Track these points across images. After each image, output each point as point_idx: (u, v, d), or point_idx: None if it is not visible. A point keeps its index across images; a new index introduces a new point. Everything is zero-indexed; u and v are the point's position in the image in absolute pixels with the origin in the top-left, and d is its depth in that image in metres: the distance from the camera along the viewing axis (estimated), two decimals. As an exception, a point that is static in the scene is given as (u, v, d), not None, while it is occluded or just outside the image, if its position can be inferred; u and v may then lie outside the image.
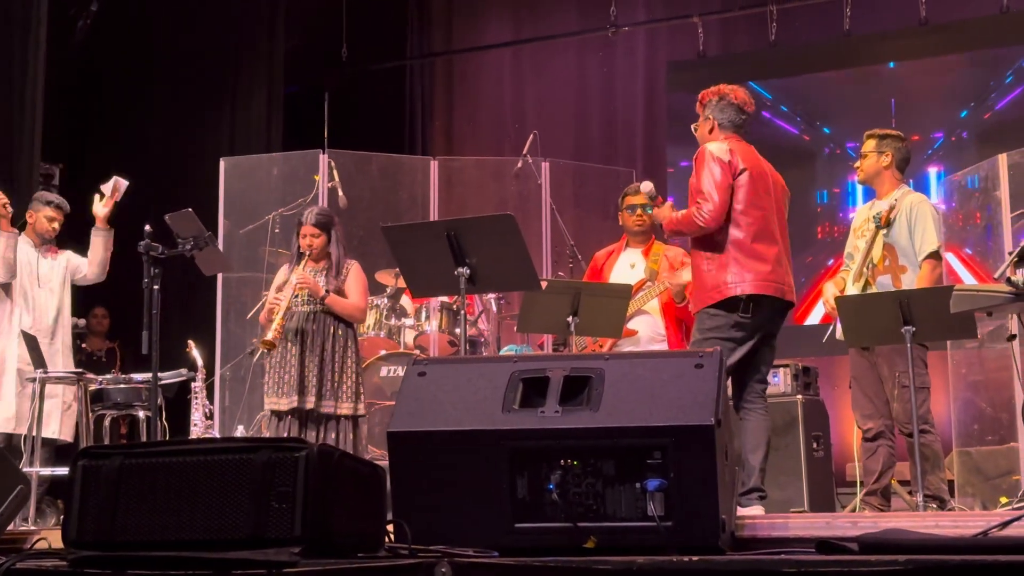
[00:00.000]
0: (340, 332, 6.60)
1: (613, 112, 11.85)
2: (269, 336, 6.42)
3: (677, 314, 6.65)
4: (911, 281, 6.09)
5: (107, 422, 7.70)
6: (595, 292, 6.34)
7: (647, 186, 6.00)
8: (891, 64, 10.72)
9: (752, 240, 5.41)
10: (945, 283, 6.26)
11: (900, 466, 6.55)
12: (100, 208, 7.14)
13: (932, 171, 10.27)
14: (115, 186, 7.06)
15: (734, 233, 5.41)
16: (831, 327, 6.32)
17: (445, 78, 12.82)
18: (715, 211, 5.35)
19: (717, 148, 5.46)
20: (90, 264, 7.30)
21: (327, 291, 6.52)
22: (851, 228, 6.58)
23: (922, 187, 9.94)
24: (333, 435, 6.51)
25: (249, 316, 8.66)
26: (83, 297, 9.22)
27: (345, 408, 6.53)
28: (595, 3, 11.37)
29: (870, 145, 6.41)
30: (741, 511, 4.95)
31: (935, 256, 6.13)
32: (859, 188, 10.02)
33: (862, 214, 6.50)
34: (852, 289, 6.18)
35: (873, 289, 6.12)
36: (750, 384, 5.50)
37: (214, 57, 10.87)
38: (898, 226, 6.12)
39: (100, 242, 7.24)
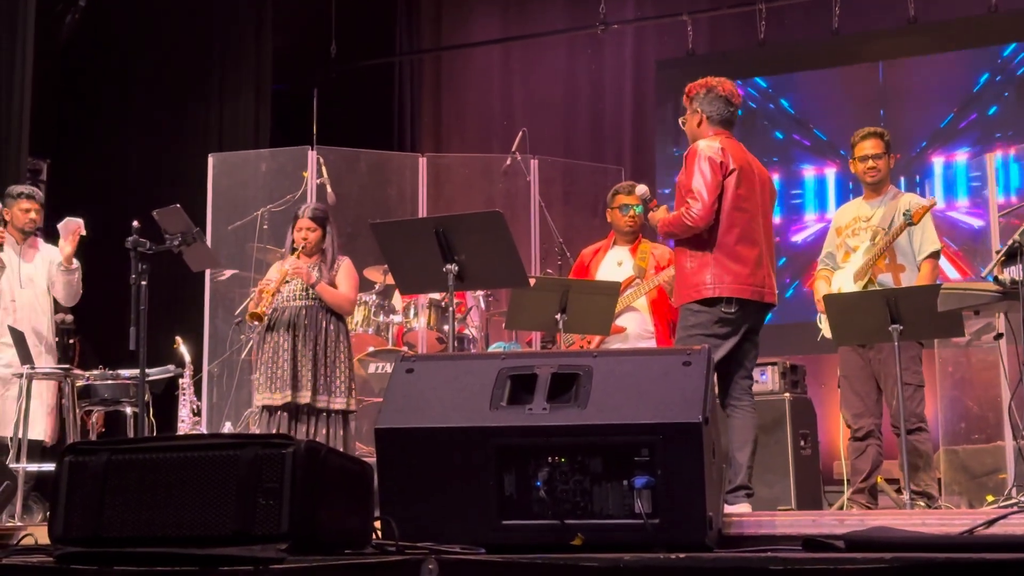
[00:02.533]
0: (332, 327, 6.63)
1: (602, 110, 11.85)
2: (258, 308, 6.45)
3: (665, 311, 6.66)
4: (911, 280, 6.10)
5: (94, 418, 7.68)
6: (584, 289, 6.34)
7: (641, 189, 5.97)
8: (880, 63, 10.73)
9: (735, 242, 5.38)
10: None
11: (888, 464, 6.56)
12: (65, 247, 7.04)
13: (924, 167, 10.28)
14: (67, 227, 6.98)
15: (718, 233, 5.38)
16: (818, 327, 6.33)
17: (434, 75, 12.81)
18: (704, 211, 5.33)
19: (708, 146, 5.43)
20: (56, 293, 7.24)
21: (318, 279, 6.55)
22: (833, 227, 6.55)
23: (910, 186, 9.96)
24: (324, 431, 6.53)
25: (237, 312, 8.64)
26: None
27: (338, 403, 6.57)
28: (584, 1, 11.37)
29: (880, 146, 6.35)
30: (728, 508, 4.96)
31: (936, 256, 6.15)
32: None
33: (848, 212, 6.48)
34: (855, 288, 6.16)
35: (875, 287, 6.12)
36: (736, 380, 5.49)
37: (203, 53, 10.84)
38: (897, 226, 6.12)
39: (64, 280, 7.17)
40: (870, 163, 6.35)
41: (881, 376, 6.14)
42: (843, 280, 6.28)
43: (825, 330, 6.18)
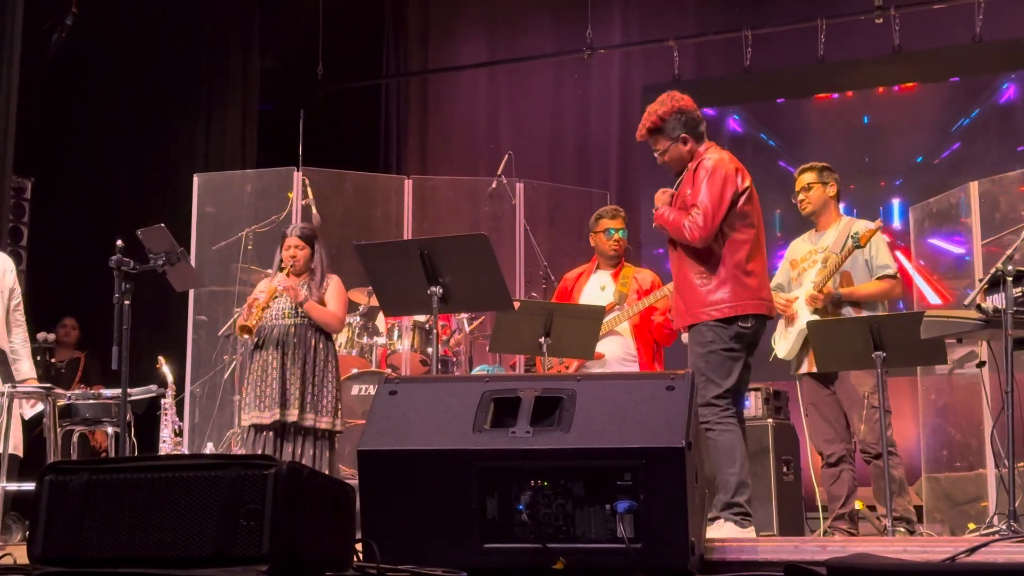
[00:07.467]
0: (321, 345, 6.63)
1: (588, 134, 11.89)
2: (248, 322, 6.44)
3: (648, 335, 6.67)
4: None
5: (75, 437, 7.64)
6: (568, 313, 6.34)
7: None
8: (864, 91, 10.79)
9: (747, 258, 5.28)
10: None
11: (861, 491, 6.56)
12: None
13: (901, 198, 10.32)
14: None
15: (732, 250, 5.26)
16: (771, 348, 6.36)
17: (420, 97, 12.84)
18: (707, 230, 5.19)
19: (730, 164, 5.29)
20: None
21: (306, 297, 6.54)
22: (787, 259, 6.54)
23: (889, 214, 10.03)
24: (311, 451, 6.51)
25: (220, 332, 8.62)
26: (53, 307, 9.16)
27: (324, 422, 6.54)
28: (571, 26, 11.40)
29: (811, 177, 6.42)
30: (710, 532, 4.93)
31: (893, 277, 6.19)
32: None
33: (803, 246, 6.47)
34: (805, 315, 6.17)
35: (832, 313, 6.15)
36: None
37: (189, 73, 10.85)
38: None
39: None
40: (800, 196, 6.44)
41: (845, 403, 6.16)
42: (801, 309, 6.25)
43: (778, 351, 6.25)
